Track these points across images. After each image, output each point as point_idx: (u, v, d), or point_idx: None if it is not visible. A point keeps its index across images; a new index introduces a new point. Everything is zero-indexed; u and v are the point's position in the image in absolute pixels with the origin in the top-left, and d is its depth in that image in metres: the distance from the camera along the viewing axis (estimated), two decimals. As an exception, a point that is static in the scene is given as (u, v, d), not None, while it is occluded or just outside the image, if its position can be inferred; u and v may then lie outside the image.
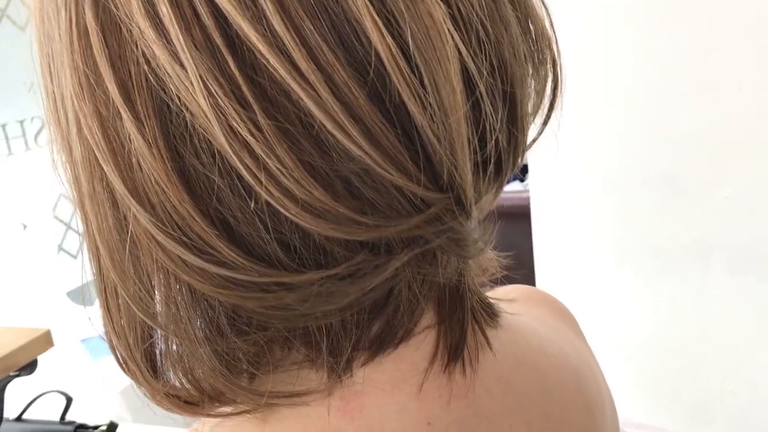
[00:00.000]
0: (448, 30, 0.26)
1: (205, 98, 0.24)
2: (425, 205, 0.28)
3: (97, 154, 0.27)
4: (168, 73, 0.25)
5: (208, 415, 0.32)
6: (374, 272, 0.28)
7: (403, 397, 0.33)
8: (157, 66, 0.25)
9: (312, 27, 0.25)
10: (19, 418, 1.55)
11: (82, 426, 1.52)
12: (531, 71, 0.32)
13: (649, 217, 1.36)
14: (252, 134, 0.25)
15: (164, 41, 0.25)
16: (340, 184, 0.27)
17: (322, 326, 0.31)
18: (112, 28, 0.26)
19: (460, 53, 0.27)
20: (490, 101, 0.29)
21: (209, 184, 0.26)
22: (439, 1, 0.26)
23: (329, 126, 0.25)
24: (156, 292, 0.29)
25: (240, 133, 0.25)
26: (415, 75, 0.26)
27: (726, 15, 1.21)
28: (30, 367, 1.25)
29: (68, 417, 1.55)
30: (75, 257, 2.06)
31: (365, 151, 0.26)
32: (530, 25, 0.32)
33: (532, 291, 0.50)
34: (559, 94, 0.34)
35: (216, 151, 0.26)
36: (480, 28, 0.28)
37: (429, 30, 0.26)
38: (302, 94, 0.25)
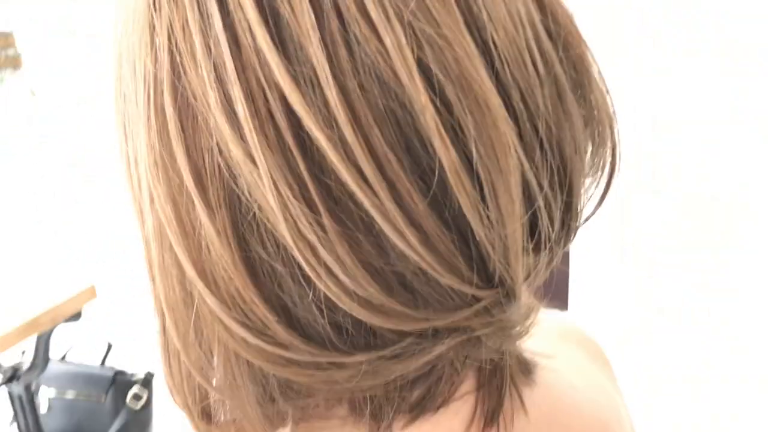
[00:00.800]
0: (513, 143, 0.27)
1: (274, 197, 0.25)
2: (475, 300, 0.29)
3: (169, 233, 0.28)
4: (240, 168, 0.26)
5: None
6: (420, 354, 0.30)
7: None
8: (230, 159, 0.26)
9: (380, 134, 0.25)
10: (63, 359, 1.63)
11: (121, 372, 1.59)
12: (590, 157, 0.32)
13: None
14: (316, 234, 0.26)
15: (239, 137, 0.26)
16: (395, 280, 0.28)
17: (367, 396, 0.32)
18: (188, 114, 0.27)
19: (522, 165, 0.27)
20: (549, 205, 0.29)
21: (272, 272, 0.28)
22: (507, 115, 0.27)
23: (388, 231, 0.26)
24: (215, 360, 0.31)
25: (305, 233, 0.26)
26: (475, 186, 0.26)
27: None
28: (75, 317, 1.31)
29: (108, 363, 1.63)
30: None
31: (421, 256, 0.27)
32: (594, 113, 0.32)
33: (570, 329, 0.50)
34: (615, 175, 0.34)
35: (280, 242, 0.27)
36: (544, 133, 0.28)
37: (494, 143, 0.26)
38: (365, 201, 0.25)
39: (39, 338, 1.38)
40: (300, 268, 0.27)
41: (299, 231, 0.26)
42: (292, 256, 0.27)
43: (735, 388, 1.34)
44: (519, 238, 0.28)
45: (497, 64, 0.27)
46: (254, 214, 0.27)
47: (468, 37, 0.26)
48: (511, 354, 0.37)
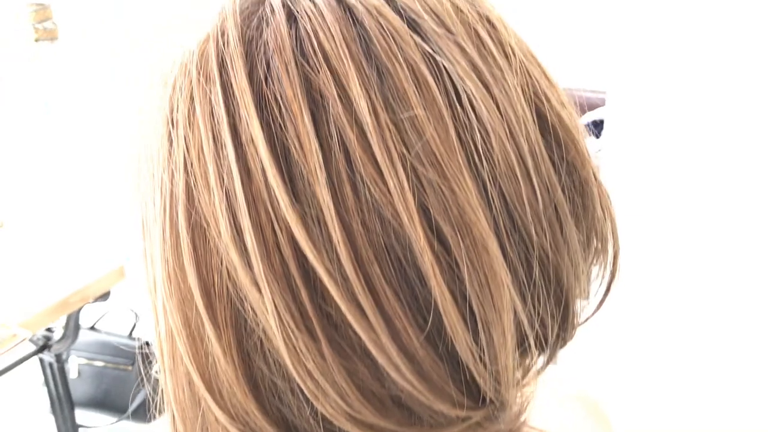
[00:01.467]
0: (507, 283, 0.27)
1: (276, 324, 0.27)
2: (468, 417, 0.30)
3: (178, 344, 0.30)
4: (246, 293, 0.27)
5: None
6: None
7: None
8: (238, 284, 0.27)
9: (379, 271, 0.26)
10: (92, 328, 1.69)
11: (147, 344, 1.64)
12: (588, 271, 0.33)
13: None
14: (314, 362, 0.27)
15: (246, 264, 0.27)
16: (390, 400, 0.29)
17: None
18: (200, 235, 0.28)
19: (514, 303, 0.28)
20: (544, 332, 0.30)
21: (273, 386, 0.29)
22: (503, 259, 0.27)
23: (383, 363, 0.27)
24: None
25: (304, 360, 0.27)
26: (468, 325, 0.27)
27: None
28: (104, 297, 1.35)
29: (136, 334, 1.68)
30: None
31: (413, 386, 0.28)
32: (593, 235, 0.32)
33: (566, 388, 0.51)
34: (614, 284, 0.34)
35: (282, 363, 0.28)
36: (541, 266, 0.29)
37: (489, 282, 0.27)
38: (363, 335, 0.27)
39: (69, 314, 1.43)
40: (299, 385, 0.28)
41: (299, 358, 0.27)
42: (291, 376, 0.28)
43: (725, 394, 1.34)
44: (511, 367, 0.29)
45: (498, 204, 0.27)
46: (259, 336, 0.28)
47: (470, 182, 0.27)
48: None
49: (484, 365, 0.28)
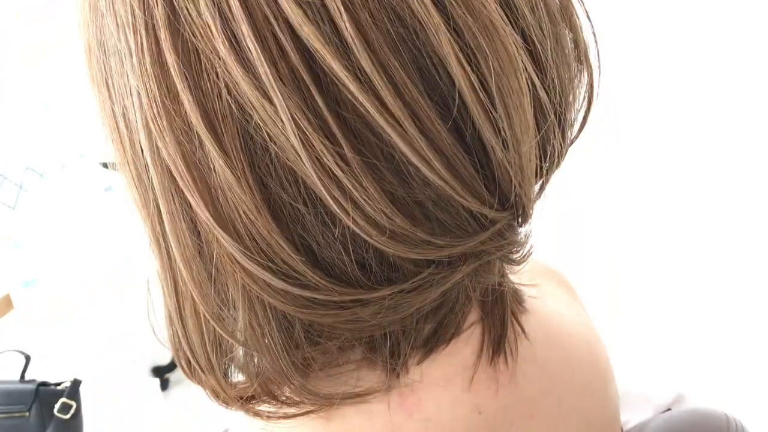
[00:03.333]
0: (523, 63, 0.27)
1: (294, 133, 0.25)
2: (491, 223, 0.30)
3: (180, 184, 0.27)
4: (255, 108, 0.25)
5: (278, 418, 0.34)
6: (438, 284, 0.30)
7: (456, 390, 0.36)
8: (243, 100, 0.26)
9: (397, 63, 0.25)
10: (-25, 379, 1.52)
11: (44, 384, 1.51)
12: (576, 82, 0.34)
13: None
14: (340, 168, 0.26)
15: (251, 76, 0.25)
16: (417, 209, 0.28)
17: (387, 333, 0.33)
18: (191, 58, 0.26)
19: (533, 85, 0.28)
20: (559, 123, 0.31)
21: (294, 213, 0.27)
22: (515, 35, 0.27)
23: (414, 159, 0.26)
24: (239, 311, 0.30)
25: (329, 167, 0.26)
26: (494, 108, 0.27)
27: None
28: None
29: (28, 376, 1.54)
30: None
31: (446, 181, 0.27)
32: (576, 37, 0.33)
33: (549, 270, 0.52)
34: (594, 101, 0.35)
35: (301, 181, 0.27)
36: (548, 56, 0.29)
37: (505, 64, 0.27)
38: (389, 129, 0.26)
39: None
40: (324, 205, 0.27)
41: (323, 166, 0.26)
42: (315, 195, 0.27)
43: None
44: (533, 158, 0.29)
45: None
46: (271, 154, 0.26)
47: None
48: (508, 286, 0.38)
49: (509, 152, 0.28)
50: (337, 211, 0.27)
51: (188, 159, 0.27)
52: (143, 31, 0.27)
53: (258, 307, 0.30)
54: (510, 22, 0.27)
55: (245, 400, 0.34)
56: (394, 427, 0.35)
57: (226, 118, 0.26)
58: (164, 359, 2.23)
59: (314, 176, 0.26)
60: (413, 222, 0.28)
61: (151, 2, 0.26)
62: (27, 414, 1.49)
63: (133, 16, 0.27)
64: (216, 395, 0.34)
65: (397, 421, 0.35)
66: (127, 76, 0.28)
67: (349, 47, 0.25)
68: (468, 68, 0.26)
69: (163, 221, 0.29)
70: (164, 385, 2.23)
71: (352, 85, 0.25)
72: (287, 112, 0.25)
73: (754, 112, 1.24)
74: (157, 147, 0.27)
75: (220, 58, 0.25)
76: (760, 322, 1.29)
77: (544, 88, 0.29)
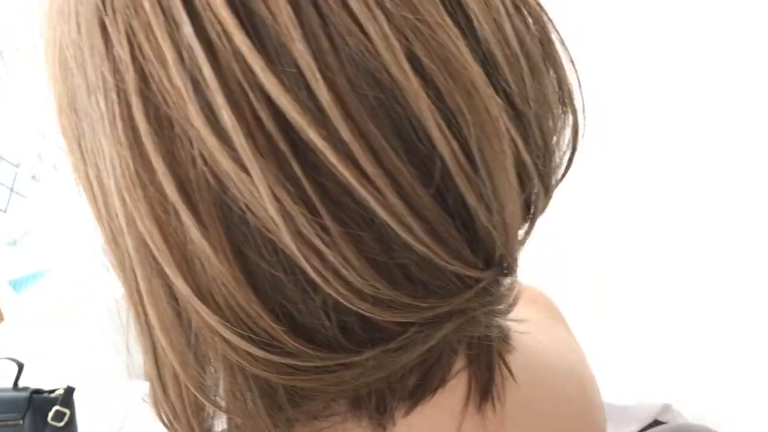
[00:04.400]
0: (505, 124, 0.27)
1: (272, 204, 0.25)
2: (475, 282, 0.30)
3: (157, 255, 0.27)
4: (231, 179, 0.25)
5: None
6: (423, 342, 0.30)
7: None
8: (218, 169, 0.25)
9: (375, 129, 0.25)
10: (-32, 388, 1.52)
11: (38, 391, 1.50)
12: (560, 125, 0.33)
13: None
14: (321, 239, 0.25)
15: (226, 147, 0.24)
16: (399, 273, 0.28)
17: (372, 390, 0.33)
18: (163, 126, 0.25)
19: (516, 146, 0.28)
20: (541, 180, 0.30)
21: (273, 281, 0.27)
22: (496, 97, 0.26)
23: (395, 226, 0.26)
24: (219, 378, 0.30)
25: (309, 238, 0.25)
26: (476, 173, 0.27)
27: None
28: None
29: (21, 383, 1.53)
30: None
31: (428, 247, 0.27)
32: (561, 80, 0.32)
33: (532, 292, 0.52)
34: (579, 140, 0.35)
35: (280, 250, 0.26)
36: (530, 113, 0.28)
37: (487, 126, 0.26)
38: (369, 198, 0.25)
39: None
40: (304, 274, 0.27)
41: (302, 237, 0.25)
42: (295, 264, 0.26)
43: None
44: (518, 218, 0.29)
45: (482, 45, 0.27)
46: (249, 224, 0.26)
47: (449, 20, 0.26)
48: (495, 327, 0.38)
49: (493, 215, 0.28)
50: (318, 280, 0.26)
51: (164, 230, 0.26)
52: (114, 97, 0.26)
53: (239, 375, 0.30)
54: (491, 83, 0.27)
55: None
56: None
57: (201, 189, 0.25)
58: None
59: (294, 247, 0.25)
60: (395, 286, 0.27)
61: (121, 67, 0.25)
62: (21, 422, 1.48)
63: (104, 80, 0.26)
64: None
65: None
66: (100, 140, 0.27)
67: (327, 115, 0.24)
68: (448, 133, 0.25)
69: (139, 287, 0.29)
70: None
71: (330, 154, 0.24)
72: (264, 183, 0.24)
73: (738, 114, 1.24)
74: (132, 216, 0.27)
75: (193, 127, 0.25)
76: (748, 329, 1.29)
77: (527, 147, 0.29)
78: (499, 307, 0.34)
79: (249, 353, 0.28)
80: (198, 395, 0.30)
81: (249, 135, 0.24)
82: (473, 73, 0.26)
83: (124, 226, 0.27)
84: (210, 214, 0.26)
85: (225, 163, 0.24)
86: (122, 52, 0.25)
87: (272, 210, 0.25)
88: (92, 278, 1.87)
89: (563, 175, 0.35)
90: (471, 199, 0.27)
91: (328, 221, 0.25)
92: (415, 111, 0.25)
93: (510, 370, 0.39)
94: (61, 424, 1.46)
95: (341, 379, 0.29)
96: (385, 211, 0.25)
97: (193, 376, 0.30)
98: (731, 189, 1.31)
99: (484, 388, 0.37)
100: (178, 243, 0.26)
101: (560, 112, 0.32)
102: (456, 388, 0.37)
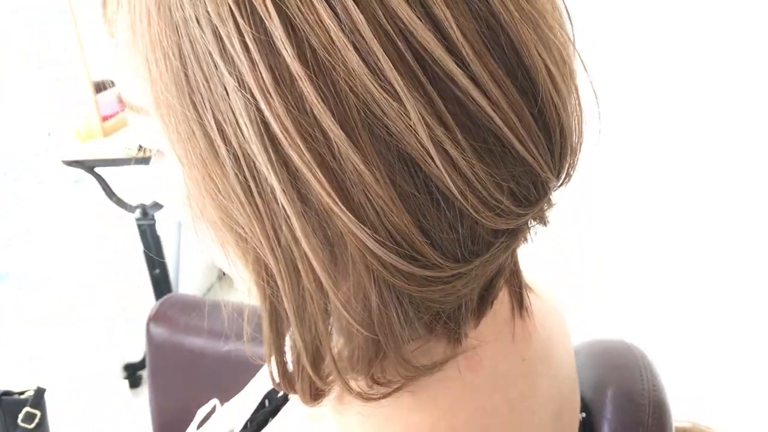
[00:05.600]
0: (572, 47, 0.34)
1: (423, 130, 0.29)
2: (545, 191, 0.35)
3: (317, 188, 0.29)
4: (385, 110, 0.29)
5: (377, 398, 0.37)
6: (504, 251, 0.36)
7: (504, 343, 0.42)
8: (375, 104, 0.29)
9: (492, 61, 0.30)
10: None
11: (7, 393, 1.44)
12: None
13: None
14: (462, 158, 0.30)
15: (378, 79, 0.28)
16: (510, 184, 0.33)
17: (463, 303, 0.38)
18: (325, 79, 0.28)
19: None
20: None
21: (417, 200, 0.31)
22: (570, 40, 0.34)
23: (513, 140, 0.31)
24: (371, 297, 0.33)
25: (452, 158, 0.30)
26: (567, 87, 0.34)
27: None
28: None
29: (-8, 386, 1.46)
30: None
31: (534, 158, 0.33)
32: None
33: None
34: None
35: (422, 172, 0.31)
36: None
37: (568, 56, 0.34)
38: (495, 116, 0.31)
39: None
40: (441, 191, 0.31)
41: (448, 156, 0.30)
42: (434, 183, 0.31)
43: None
44: (576, 117, 0.35)
45: None
46: (399, 151, 0.30)
47: None
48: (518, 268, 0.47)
49: (573, 121, 0.35)
50: (457, 194, 0.31)
51: (326, 165, 0.29)
52: (263, 55, 0.28)
53: (386, 292, 0.33)
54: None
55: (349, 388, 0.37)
56: (467, 386, 0.39)
57: (362, 124, 0.29)
58: (136, 356, 2.17)
59: (440, 166, 0.30)
60: (508, 198, 0.33)
61: (263, 15, 0.27)
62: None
63: (239, 32, 0.28)
64: (312, 396, 0.38)
65: (469, 380, 0.40)
66: (227, 93, 0.29)
67: (459, 50, 0.29)
68: (543, 63, 0.31)
69: (291, 224, 0.31)
70: (136, 382, 2.18)
71: (462, 80, 0.29)
72: (415, 111, 0.28)
73: (735, 111, 1.26)
74: (285, 156, 0.29)
75: (349, 67, 0.28)
76: (747, 330, 1.31)
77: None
78: (544, 222, 0.40)
79: (395, 267, 0.32)
80: (346, 315, 0.33)
81: (396, 69, 0.28)
82: (560, 17, 0.34)
83: (267, 167, 0.29)
84: (367, 145, 0.29)
85: (377, 94, 0.28)
86: (271, 14, 0.27)
87: (423, 135, 0.29)
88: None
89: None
90: (560, 108, 0.33)
91: (461, 139, 0.30)
92: (517, 42, 0.30)
93: (527, 285, 0.47)
94: (32, 426, 1.40)
95: (455, 290, 0.34)
96: (506, 127, 0.31)
97: (342, 297, 0.33)
98: (731, 189, 1.33)
99: (520, 300, 0.45)
100: (337, 174, 0.29)
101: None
102: (503, 300, 0.44)
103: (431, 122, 0.29)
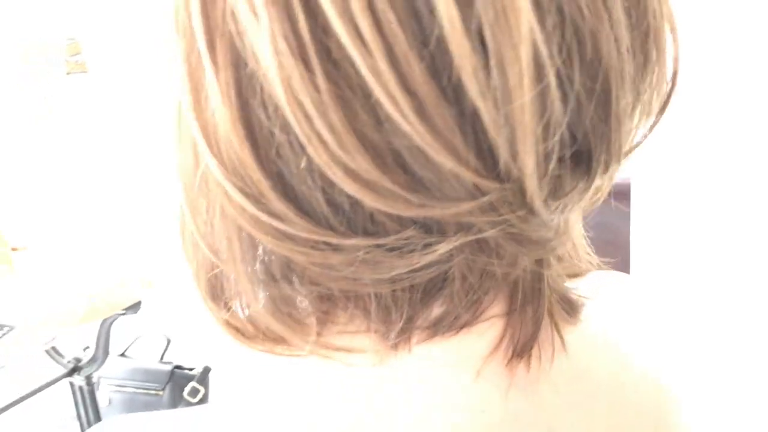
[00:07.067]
0: (528, 10, 0.25)
1: (270, 51, 0.25)
2: (480, 192, 0.27)
3: (182, 95, 0.28)
4: (243, 22, 0.26)
5: (267, 351, 0.34)
6: (423, 250, 0.28)
7: (460, 379, 0.34)
8: (238, 17, 0.26)
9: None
10: (122, 354, 1.66)
11: (179, 367, 1.61)
12: (637, 68, 0.29)
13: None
14: (310, 97, 0.25)
15: None
16: (391, 157, 0.26)
17: (372, 294, 0.31)
18: None
19: (534, 37, 0.25)
20: (575, 96, 0.27)
21: (270, 137, 0.27)
22: None
23: (382, 96, 0.25)
24: (222, 232, 0.31)
25: (298, 93, 0.25)
26: (477, 51, 0.25)
27: None
28: (134, 308, 1.33)
29: (166, 358, 1.65)
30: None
31: (413, 126, 0.25)
32: (645, 14, 0.29)
33: (619, 278, 0.48)
34: (670, 98, 0.31)
35: (276, 104, 0.26)
36: (572, 12, 0.26)
37: (506, 7, 0.25)
38: (361, 62, 0.24)
39: (99, 331, 1.41)
40: (294, 133, 0.27)
41: (293, 90, 0.25)
42: (287, 120, 0.26)
43: None
44: (528, 119, 0.26)
45: None
46: (255, 74, 0.26)
47: None
48: (553, 287, 0.35)
49: (496, 107, 0.25)
50: (303, 140, 0.26)
51: (190, 72, 0.28)
52: None
53: (236, 230, 0.31)
54: None
55: (234, 328, 0.34)
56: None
57: (224, 36, 0.27)
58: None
59: (283, 99, 0.26)
60: (382, 169, 0.26)
61: None
62: (161, 393, 1.59)
63: None
64: (215, 318, 0.35)
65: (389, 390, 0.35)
66: None
67: None
68: (455, 6, 0.24)
69: (177, 131, 0.31)
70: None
71: (330, 10, 0.25)
72: (269, 31, 0.25)
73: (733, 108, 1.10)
74: (173, 62, 0.30)
75: None
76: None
77: (548, 42, 0.26)
78: (526, 246, 0.30)
79: (241, 206, 0.28)
80: (200, 241, 0.31)
81: None
82: None
83: (170, 73, 0.30)
84: (225, 60, 0.27)
85: (242, 10, 0.25)
86: None
87: (270, 56, 0.25)
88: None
89: (652, 126, 0.31)
90: (468, 80, 0.25)
91: (320, 79, 0.25)
92: None
93: (562, 338, 0.35)
94: (195, 400, 1.55)
95: (328, 262, 0.29)
96: (374, 77, 0.25)
97: (199, 224, 0.31)
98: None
99: (521, 343, 0.34)
100: (198, 85, 0.28)
101: (637, 40, 0.29)
102: (486, 333, 0.34)
103: (282, 47, 0.25)
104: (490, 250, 0.30)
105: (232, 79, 0.27)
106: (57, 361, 1.43)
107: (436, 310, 0.32)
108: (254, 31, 0.25)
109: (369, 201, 0.27)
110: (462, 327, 0.33)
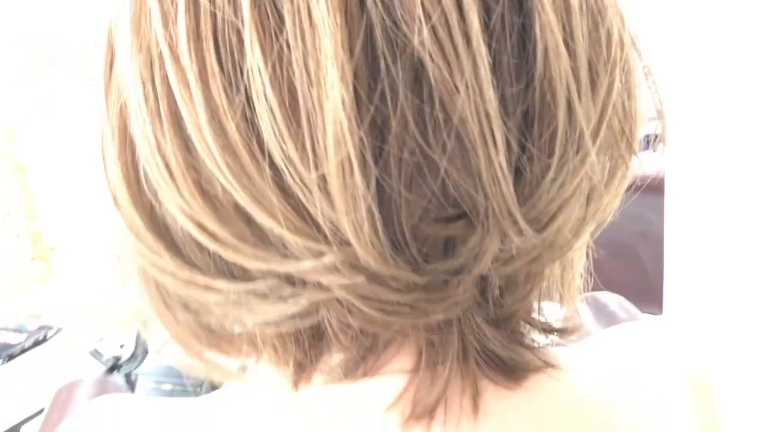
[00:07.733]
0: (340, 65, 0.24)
1: (137, 115, 0.27)
2: (317, 253, 0.26)
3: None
4: (126, 93, 0.28)
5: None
6: (290, 300, 0.27)
7: (364, 427, 0.32)
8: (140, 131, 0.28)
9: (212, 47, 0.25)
10: (160, 352, 1.69)
11: (215, 364, 1.63)
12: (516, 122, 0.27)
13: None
14: (155, 135, 0.27)
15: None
16: (232, 210, 0.26)
17: (257, 334, 0.32)
18: None
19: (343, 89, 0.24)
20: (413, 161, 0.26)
21: (141, 171, 0.29)
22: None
23: (193, 133, 0.26)
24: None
25: (151, 142, 0.27)
26: (284, 107, 0.24)
27: None
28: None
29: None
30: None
31: (231, 185, 0.25)
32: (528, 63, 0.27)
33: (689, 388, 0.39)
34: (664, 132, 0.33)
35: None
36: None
37: (318, 68, 0.24)
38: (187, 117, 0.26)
39: (138, 329, 1.44)
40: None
41: (146, 133, 0.27)
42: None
43: None
44: (344, 175, 0.24)
45: None
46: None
47: None
48: (485, 347, 0.32)
49: (306, 170, 0.25)
50: (155, 185, 0.28)
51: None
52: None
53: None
54: None
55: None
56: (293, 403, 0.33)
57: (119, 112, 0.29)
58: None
59: (142, 138, 0.28)
60: (221, 221, 0.26)
61: None
62: (199, 389, 1.61)
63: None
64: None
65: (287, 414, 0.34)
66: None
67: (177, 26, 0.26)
68: (260, 54, 0.24)
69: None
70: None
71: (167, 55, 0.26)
72: (140, 83, 0.27)
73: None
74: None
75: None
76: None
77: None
78: (372, 312, 0.28)
79: (132, 236, 0.30)
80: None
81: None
82: None
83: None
84: (117, 117, 0.29)
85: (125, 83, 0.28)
86: None
87: (134, 121, 0.28)
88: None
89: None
90: (271, 140, 0.25)
91: (168, 128, 0.26)
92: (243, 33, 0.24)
93: (475, 404, 0.32)
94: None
95: (204, 300, 0.29)
96: (188, 112, 0.25)
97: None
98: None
99: (423, 406, 0.31)
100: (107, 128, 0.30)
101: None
102: (387, 387, 0.32)
103: (140, 98, 0.27)
104: (354, 308, 0.28)
105: (119, 130, 0.29)
106: (97, 360, 1.46)
107: (336, 355, 0.31)
108: (132, 95, 0.27)
109: (212, 247, 0.27)
110: (363, 376, 0.32)
